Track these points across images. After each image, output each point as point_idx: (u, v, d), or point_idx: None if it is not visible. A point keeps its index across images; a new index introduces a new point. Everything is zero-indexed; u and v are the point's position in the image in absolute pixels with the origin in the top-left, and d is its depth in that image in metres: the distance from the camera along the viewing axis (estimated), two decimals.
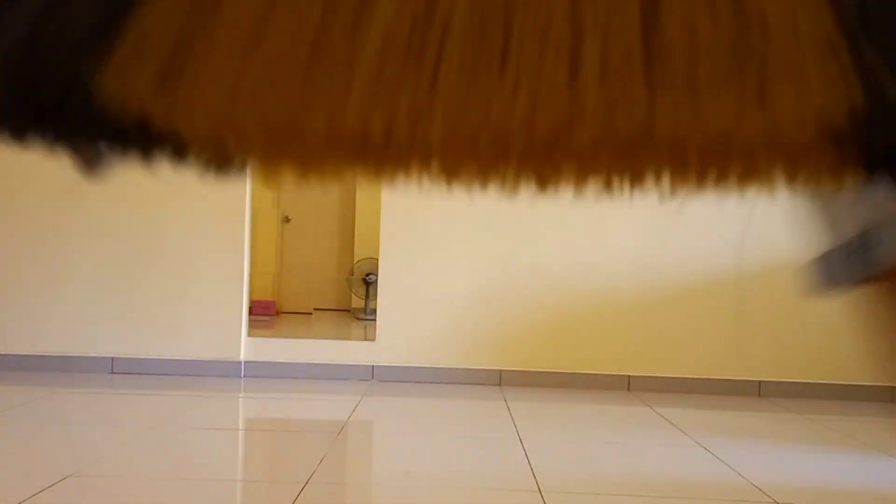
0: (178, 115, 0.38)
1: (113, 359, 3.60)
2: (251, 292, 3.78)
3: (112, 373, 3.58)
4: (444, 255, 3.67)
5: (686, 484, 2.11)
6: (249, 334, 3.70)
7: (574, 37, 0.36)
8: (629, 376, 3.67)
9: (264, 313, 5.25)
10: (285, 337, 3.88)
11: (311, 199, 5.74)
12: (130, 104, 0.38)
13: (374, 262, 3.83)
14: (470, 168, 0.41)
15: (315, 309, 5.83)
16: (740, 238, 3.68)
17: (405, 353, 3.67)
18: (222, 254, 3.64)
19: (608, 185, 0.41)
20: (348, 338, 4.00)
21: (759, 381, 3.66)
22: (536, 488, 2.01)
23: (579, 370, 3.64)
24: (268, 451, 2.41)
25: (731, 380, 3.66)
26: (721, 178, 0.40)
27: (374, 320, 3.74)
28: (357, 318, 5.36)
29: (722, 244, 3.68)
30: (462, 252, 3.66)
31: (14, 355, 3.59)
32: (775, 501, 1.98)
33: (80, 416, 2.69)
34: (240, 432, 2.62)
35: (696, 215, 3.68)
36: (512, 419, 2.89)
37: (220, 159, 0.43)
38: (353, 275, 5.60)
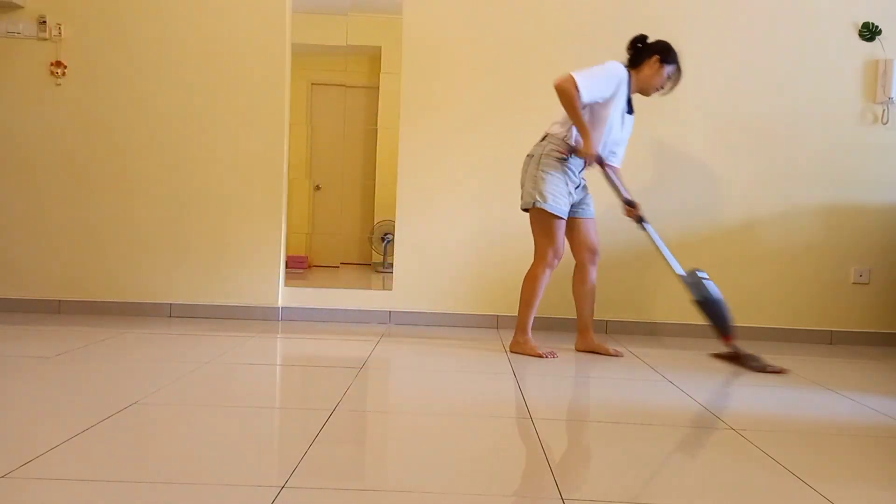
0: None
1: (171, 304, 3.59)
2: (287, 249, 3.76)
3: (170, 316, 3.57)
4: (450, 219, 3.64)
5: (655, 412, 2.09)
6: (286, 284, 3.69)
7: None
8: (607, 321, 3.65)
9: (298, 267, 5.23)
10: (316, 287, 3.86)
11: (338, 170, 5.71)
12: None
13: (392, 223, 3.79)
14: None
15: (341, 263, 5.81)
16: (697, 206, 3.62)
17: (417, 301, 3.66)
18: (264, 217, 3.61)
19: None
20: (369, 287, 3.98)
21: None
22: (528, 416, 2.00)
23: (564, 315, 3.62)
24: (301, 382, 2.40)
25: (693, 324, 3.64)
26: None
27: (391, 273, 3.72)
28: (376, 271, 5.33)
29: (684, 211, 3.62)
30: (465, 217, 3.63)
31: (89, 301, 3.60)
32: (731, 427, 1.96)
33: (143, 352, 2.68)
34: (277, 367, 2.61)
35: (660, 187, 3.62)
36: (507, 357, 2.88)
37: None
38: (373, 234, 5.57)
